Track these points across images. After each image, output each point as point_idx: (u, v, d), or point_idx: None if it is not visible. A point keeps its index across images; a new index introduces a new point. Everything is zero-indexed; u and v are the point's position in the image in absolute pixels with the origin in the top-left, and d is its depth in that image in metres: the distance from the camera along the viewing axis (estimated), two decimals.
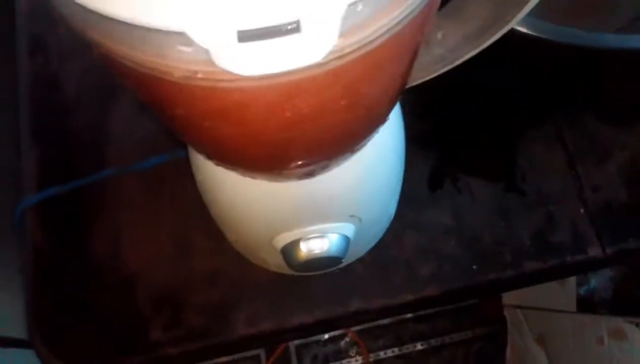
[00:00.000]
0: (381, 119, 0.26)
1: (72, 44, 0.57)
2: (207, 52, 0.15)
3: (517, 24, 0.42)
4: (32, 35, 0.57)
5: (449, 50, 0.30)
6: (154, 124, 0.53)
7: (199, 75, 0.17)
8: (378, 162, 0.34)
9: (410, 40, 0.19)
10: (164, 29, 0.14)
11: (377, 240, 0.46)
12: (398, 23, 0.17)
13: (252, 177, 0.30)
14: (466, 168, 0.50)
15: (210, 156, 0.27)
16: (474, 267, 0.48)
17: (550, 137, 0.51)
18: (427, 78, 0.32)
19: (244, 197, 0.34)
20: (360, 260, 0.47)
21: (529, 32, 0.43)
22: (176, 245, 0.49)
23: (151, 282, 0.48)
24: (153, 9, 0.14)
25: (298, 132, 0.21)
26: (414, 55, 0.22)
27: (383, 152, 0.35)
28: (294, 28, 0.14)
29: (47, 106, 0.55)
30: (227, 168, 0.29)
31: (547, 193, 0.50)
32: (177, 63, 0.16)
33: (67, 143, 0.53)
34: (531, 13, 0.43)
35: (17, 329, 0.55)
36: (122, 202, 0.51)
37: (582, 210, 0.49)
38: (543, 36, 0.44)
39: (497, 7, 0.27)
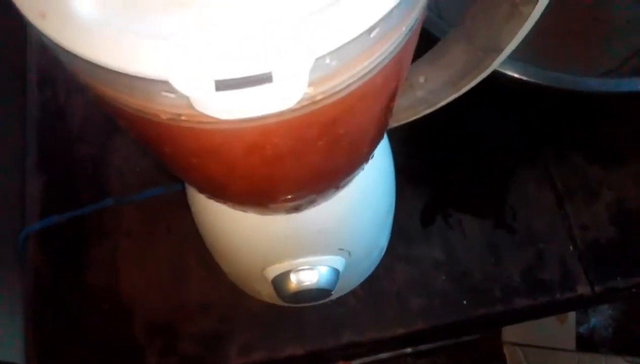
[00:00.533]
0: (363, 158, 0.28)
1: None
2: (187, 98, 0.16)
3: (507, 68, 0.44)
4: (41, 69, 0.60)
5: (431, 93, 0.31)
6: (154, 157, 0.55)
7: (183, 118, 0.18)
8: (365, 197, 0.36)
9: (383, 86, 0.21)
10: (148, 77, 0.16)
11: (369, 273, 0.47)
12: (368, 73, 0.19)
13: (243, 210, 0.31)
14: (458, 204, 0.51)
15: (200, 190, 0.28)
16: (464, 302, 0.48)
17: (540, 176, 0.53)
18: (411, 119, 0.33)
19: (235, 229, 0.35)
20: (353, 293, 0.48)
21: (518, 76, 0.45)
22: (172, 273, 0.51)
23: (147, 309, 0.49)
24: (138, 59, 0.16)
25: (280, 169, 0.23)
26: (391, 98, 0.24)
27: (370, 187, 0.36)
28: (267, 78, 0.16)
29: (53, 137, 0.57)
30: (217, 201, 0.30)
31: (536, 230, 0.51)
32: (162, 107, 0.18)
33: (70, 172, 0.55)
34: (520, 57, 0.45)
35: (14, 354, 0.56)
36: (120, 231, 0.52)
37: (571, 248, 0.50)
38: (531, 80, 0.45)
39: (476, 53, 0.29)
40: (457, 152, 0.53)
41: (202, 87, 0.16)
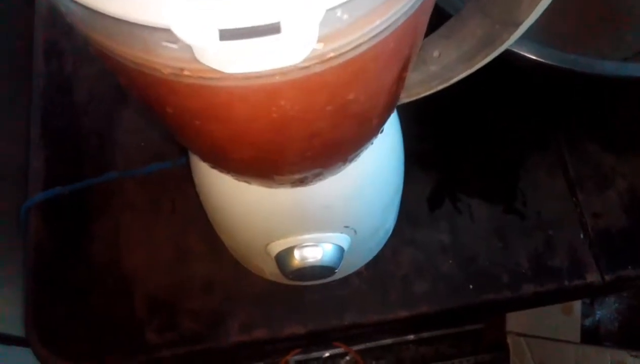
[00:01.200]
0: (372, 130, 0.27)
1: (85, 51, 0.58)
2: (190, 48, 0.15)
3: (520, 48, 0.43)
4: (48, 41, 0.59)
5: (445, 68, 0.30)
6: (158, 132, 0.54)
7: (186, 72, 0.17)
8: (374, 174, 0.35)
9: (395, 51, 0.20)
10: (149, 24, 0.15)
11: (374, 254, 0.46)
12: (380, 33, 0.18)
13: (247, 182, 0.31)
14: (466, 188, 0.50)
15: (203, 157, 0.27)
16: (470, 287, 0.47)
17: (552, 162, 0.51)
18: (424, 94, 0.32)
19: (239, 202, 0.34)
20: (357, 273, 0.48)
21: (534, 57, 0.44)
22: (174, 249, 0.50)
23: (148, 285, 0.49)
24: (139, 4, 0.15)
25: (286, 135, 0.22)
26: (403, 67, 0.23)
27: (379, 164, 0.35)
28: (274, 29, 0.15)
29: (58, 109, 0.56)
30: (221, 171, 0.29)
31: (547, 217, 0.50)
32: (164, 60, 0.17)
33: (74, 145, 0.54)
34: (536, 38, 0.44)
35: (15, 327, 0.55)
36: (124, 205, 0.52)
37: (581, 236, 0.49)
38: (547, 62, 0.44)
39: (493, 26, 0.28)
40: (468, 135, 0.52)
41: (206, 36, 0.15)
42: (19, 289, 0.55)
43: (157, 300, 0.49)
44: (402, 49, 0.21)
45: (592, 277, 0.48)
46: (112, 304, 0.49)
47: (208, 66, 0.16)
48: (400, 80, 0.23)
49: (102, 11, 0.15)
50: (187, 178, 0.52)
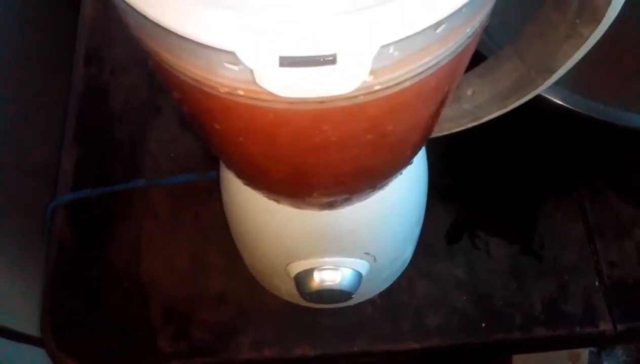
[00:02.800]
0: (404, 161, 0.28)
1: (124, 60, 0.60)
2: (251, 71, 0.17)
3: (550, 94, 0.44)
4: (90, 47, 0.61)
5: (477, 107, 0.31)
6: (189, 145, 0.56)
7: (240, 92, 0.18)
8: (399, 203, 0.36)
9: (436, 88, 0.21)
10: (216, 46, 0.16)
11: (390, 283, 0.47)
12: (426, 70, 0.19)
13: (276, 201, 0.32)
14: (486, 226, 0.51)
15: (239, 173, 0.28)
16: (483, 324, 0.48)
17: (572, 207, 0.52)
18: (455, 130, 0.33)
19: (266, 219, 0.35)
20: (371, 301, 0.48)
21: (562, 103, 0.45)
22: (193, 260, 0.51)
23: (164, 293, 0.50)
24: (208, 27, 0.16)
25: (324, 158, 0.23)
26: (440, 104, 0.24)
27: (404, 195, 0.36)
28: (331, 60, 0.16)
29: (93, 113, 0.58)
30: (254, 188, 0.30)
31: (563, 261, 0.50)
32: (222, 79, 0.18)
33: (106, 150, 0.56)
34: (564, 84, 0.44)
35: (30, 325, 0.56)
36: (147, 213, 0.53)
37: (596, 283, 0.49)
38: (575, 109, 0.45)
39: (528, 71, 0.29)
40: (491, 173, 0.53)
41: (267, 62, 0.16)
42: (37, 286, 0.57)
43: (172, 309, 0.49)
44: (443, 86, 0.22)
45: (605, 326, 0.48)
46: (128, 309, 0.50)
47: (264, 89, 0.17)
48: (436, 115, 0.24)
49: (173, 30, 0.16)
50: (211, 192, 0.54)
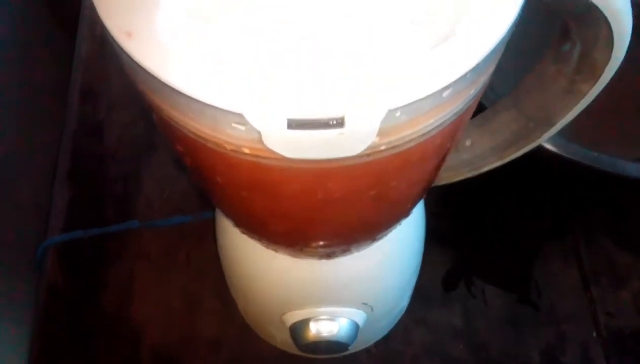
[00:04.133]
0: (405, 213, 0.27)
1: (120, 97, 0.60)
2: (258, 132, 0.16)
3: (547, 142, 0.44)
4: (85, 83, 0.61)
5: (476, 157, 0.31)
6: (184, 184, 0.55)
7: (246, 151, 0.18)
8: (397, 253, 0.35)
9: (440, 145, 0.21)
10: (224, 108, 0.16)
11: (386, 332, 0.46)
12: (431, 130, 0.19)
13: (274, 250, 0.31)
14: (482, 273, 0.50)
15: (238, 223, 0.28)
16: None
17: (568, 255, 0.52)
18: (453, 180, 0.33)
19: (262, 268, 0.35)
20: (367, 350, 0.47)
21: (558, 152, 0.45)
22: (185, 304, 0.50)
23: (155, 338, 0.49)
24: (217, 89, 0.16)
25: (326, 213, 0.22)
26: (443, 158, 0.23)
27: (402, 244, 0.36)
28: (339, 123, 0.16)
29: (86, 152, 0.58)
30: (252, 237, 0.30)
31: (560, 311, 0.49)
32: (228, 138, 0.18)
33: (99, 189, 0.55)
34: (559, 133, 0.45)
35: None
36: (140, 254, 0.52)
37: (594, 334, 0.49)
38: (570, 157, 0.45)
39: (527, 123, 0.29)
40: (487, 219, 0.53)
41: (275, 124, 0.16)
42: (27, 330, 0.55)
43: (162, 354, 0.48)
44: (446, 142, 0.22)
45: None
46: (117, 353, 0.48)
47: (271, 150, 0.17)
48: (438, 169, 0.24)
49: (181, 90, 0.16)
50: (205, 233, 0.53)
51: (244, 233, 0.30)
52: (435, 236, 0.49)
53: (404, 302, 0.45)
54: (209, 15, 0.17)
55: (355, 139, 0.16)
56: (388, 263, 0.35)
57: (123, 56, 0.17)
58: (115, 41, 0.17)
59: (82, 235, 0.53)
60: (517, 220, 0.53)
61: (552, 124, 0.28)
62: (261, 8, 0.17)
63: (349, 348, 0.38)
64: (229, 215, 0.28)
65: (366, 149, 0.18)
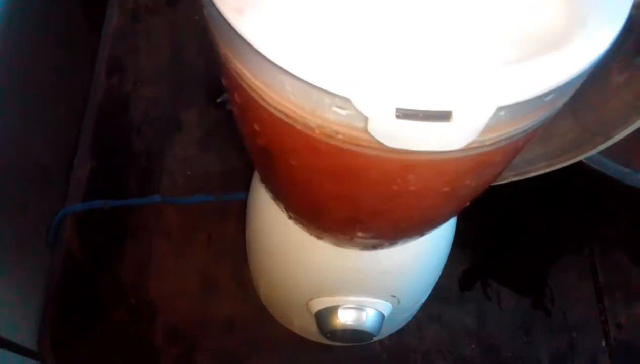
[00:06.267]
0: (460, 210, 0.28)
1: (147, 72, 0.60)
2: (363, 118, 0.16)
3: None
4: (112, 56, 0.60)
5: (525, 162, 0.31)
6: (207, 164, 0.55)
7: (340, 136, 0.18)
8: (431, 249, 0.36)
9: (521, 147, 0.21)
10: (332, 91, 0.16)
11: (402, 325, 0.47)
12: (521, 132, 0.19)
13: (318, 237, 0.31)
14: (498, 276, 0.51)
15: (292, 208, 0.28)
16: None
17: (583, 266, 0.52)
18: (498, 183, 0.33)
19: (298, 253, 0.35)
20: (380, 342, 0.47)
21: (590, 165, 0.45)
22: (203, 283, 0.50)
23: (171, 314, 0.49)
24: (327, 72, 0.16)
25: (394, 204, 0.23)
26: (512, 161, 0.24)
27: (437, 241, 0.36)
28: (446, 116, 0.16)
29: (111, 124, 0.57)
30: (301, 222, 0.30)
31: (572, 319, 0.50)
32: (323, 121, 0.18)
33: (121, 162, 0.55)
34: None
35: (25, 337, 0.54)
36: (160, 230, 0.52)
37: (603, 344, 0.50)
38: (591, 166, 0.46)
39: (582, 134, 0.29)
40: (507, 225, 0.53)
41: (383, 112, 0.16)
42: (34, 294, 0.55)
43: (177, 331, 0.48)
44: (523, 145, 0.22)
45: None
46: (131, 327, 0.48)
47: (372, 137, 0.17)
48: (506, 169, 0.25)
49: (290, 71, 0.16)
50: (226, 214, 0.53)
51: (291, 218, 0.30)
52: (456, 235, 0.50)
53: (425, 297, 0.45)
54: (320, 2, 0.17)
55: (459, 134, 0.17)
56: (422, 257, 0.35)
57: (227, 31, 0.17)
58: (222, 16, 0.17)
59: (103, 205, 0.52)
60: (537, 228, 0.54)
61: (609, 137, 0.28)
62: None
63: (374, 338, 0.38)
64: (284, 198, 0.28)
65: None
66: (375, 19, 0.17)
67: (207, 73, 0.58)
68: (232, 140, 0.55)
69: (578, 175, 0.50)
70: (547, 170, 0.31)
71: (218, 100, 0.57)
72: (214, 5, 0.17)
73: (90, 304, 0.49)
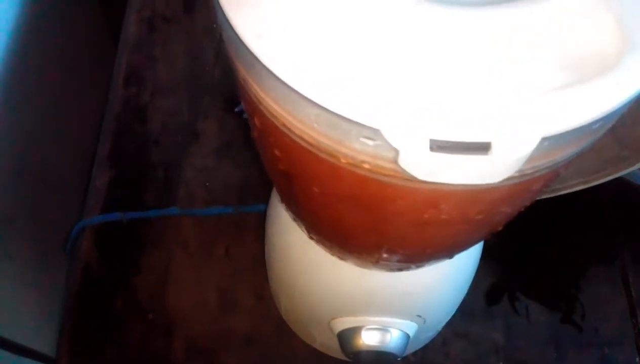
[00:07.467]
0: (491, 234, 0.26)
1: (165, 82, 0.59)
2: (393, 150, 0.15)
3: None
4: (131, 66, 0.60)
5: (559, 181, 0.30)
6: (225, 175, 0.54)
7: (366, 166, 0.17)
8: (459, 268, 0.34)
9: (560, 173, 0.20)
10: (360, 122, 0.15)
11: (427, 342, 0.45)
12: (563, 160, 0.17)
13: (341, 258, 0.30)
14: (527, 289, 0.49)
15: (314, 230, 0.27)
16: None
17: (615, 279, 0.50)
18: None
19: (320, 272, 0.34)
20: (404, 359, 0.46)
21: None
22: (222, 297, 0.49)
23: (189, 328, 0.48)
24: (355, 102, 0.15)
25: (423, 232, 0.21)
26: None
27: (466, 260, 0.34)
28: (484, 148, 0.15)
29: (129, 135, 0.57)
30: (323, 244, 0.29)
31: (604, 334, 0.48)
32: (349, 151, 0.17)
33: (140, 173, 0.54)
34: None
35: (46, 344, 0.54)
36: (177, 242, 0.51)
37: (637, 360, 0.48)
38: (628, 178, 0.44)
39: (621, 151, 0.27)
40: (534, 236, 0.51)
41: (416, 144, 0.15)
42: (49, 302, 0.55)
43: (195, 345, 0.47)
44: (560, 173, 0.20)
45: None
46: (149, 340, 0.48)
47: (403, 170, 0.16)
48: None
49: (315, 101, 0.15)
50: (244, 226, 0.52)
51: (312, 239, 0.29)
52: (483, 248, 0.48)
53: (451, 314, 0.43)
54: (348, 24, 0.16)
55: (500, 167, 0.15)
56: (451, 277, 0.34)
57: (246, 56, 0.16)
58: (242, 41, 0.16)
59: (120, 217, 0.52)
60: (566, 239, 0.52)
61: None
62: (403, 26, 0.16)
63: (398, 359, 0.37)
64: (305, 220, 0.27)
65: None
66: (406, 44, 0.16)
67: (225, 82, 0.57)
68: (251, 151, 0.54)
69: (608, 184, 0.48)
70: (581, 187, 0.29)
71: (236, 110, 0.56)
72: (232, 29, 0.16)
73: (108, 319, 0.49)
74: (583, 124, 0.15)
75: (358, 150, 0.17)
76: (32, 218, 0.58)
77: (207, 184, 0.54)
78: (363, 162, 0.17)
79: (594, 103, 0.15)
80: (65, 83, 0.63)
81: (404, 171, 0.15)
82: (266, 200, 0.41)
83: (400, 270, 0.29)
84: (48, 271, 0.59)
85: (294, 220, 0.30)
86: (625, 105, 0.15)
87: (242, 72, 0.18)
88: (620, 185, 0.46)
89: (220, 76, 0.58)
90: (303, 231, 0.30)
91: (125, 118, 0.57)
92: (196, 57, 0.60)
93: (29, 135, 0.56)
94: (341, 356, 0.42)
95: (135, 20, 0.62)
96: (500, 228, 0.24)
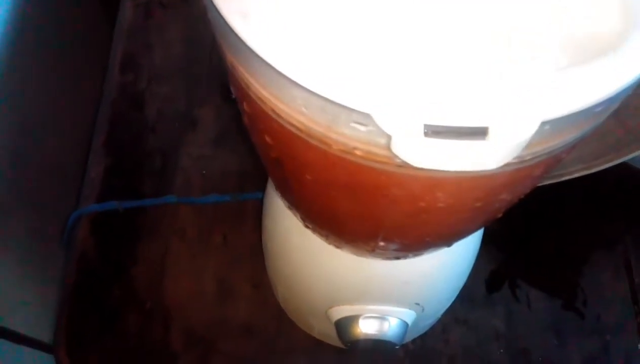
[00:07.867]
0: (489, 222, 0.26)
1: (161, 69, 0.58)
2: (385, 136, 0.14)
3: None
4: (127, 53, 0.59)
5: (561, 166, 0.29)
6: (223, 163, 0.53)
7: (358, 153, 0.16)
8: (458, 256, 0.34)
9: (557, 162, 0.19)
10: (350, 106, 0.14)
11: (426, 329, 0.45)
12: (563, 146, 0.17)
13: (337, 247, 0.29)
14: (528, 276, 0.49)
15: (309, 218, 0.26)
16: None
17: (618, 265, 0.50)
18: None
19: (317, 261, 0.33)
20: (404, 346, 0.46)
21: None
22: (220, 286, 0.49)
23: (187, 317, 0.47)
24: (344, 85, 0.14)
25: (419, 220, 0.21)
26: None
27: (464, 248, 0.34)
28: (481, 133, 0.14)
29: (125, 122, 0.56)
30: (319, 233, 0.28)
31: (606, 321, 0.48)
32: (340, 137, 0.16)
33: (136, 161, 0.54)
34: None
35: (42, 331, 0.54)
36: (174, 231, 0.51)
37: (639, 347, 0.47)
38: (630, 162, 0.43)
39: (624, 135, 0.27)
40: (535, 222, 0.51)
41: (408, 129, 0.14)
42: (55, 297, 0.54)
43: (193, 334, 0.47)
44: (563, 158, 0.20)
45: None
46: (146, 329, 0.47)
47: (396, 156, 0.15)
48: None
49: (302, 84, 0.14)
50: (242, 215, 0.51)
51: (308, 227, 0.28)
52: (483, 234, 0.48)
53: (451, 302, 0.43)
54: (339, 4, 0.15)
55: (496, 153, 0.15)
56: (449, 266, 0.33)
57: (231, 38, 0.15)
58: (226, 22, 0.15)
59: (116, 206, 0.51)
60: (567, 226, 0.51)
61: None
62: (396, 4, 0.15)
63: (397, 347, 0.36)
64: (300, 209, 0.26)
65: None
66: (398, 23, 0.15)
67: (222, 69, 0.56)
68: (249, 138, 0.53)
69: (610, 169, 0.48)
70: (583, 173, 0.29)
71: (233, 97, 0.55)
72: (215, 8, 0.15)
73: (105, 308, 0.48)
74: (585, 107, 0.14)
75: (349, 136, 0.16)
76: (30, 208, 0.58)
77: (204, 172, 0.53)
78: (355, 148, 0.16)
79: (597, 85, 0.14)
80: (61, 71, 0.62)
81: (398, 158, 0.15)
82: (264, 187, 0.41)
83: (397, 258, 0.29)
84: (46, 261, 0.59)
85: (289, 208, 0.29)
86: (629, 87, 0.15)
87: (228, 55, 0.17)
88: (622, 170, 0.45)
89: (217, 63, 0.57)
90: (298, 219, 0.29)
91: (121, 106, 0.56)
92: (193, 43, 0.59)
93: (24, 125, 0.55)
94: (340, 345, 0.41)
95: (131, 6, 0.61)
96: (500, 215, 0.24)
